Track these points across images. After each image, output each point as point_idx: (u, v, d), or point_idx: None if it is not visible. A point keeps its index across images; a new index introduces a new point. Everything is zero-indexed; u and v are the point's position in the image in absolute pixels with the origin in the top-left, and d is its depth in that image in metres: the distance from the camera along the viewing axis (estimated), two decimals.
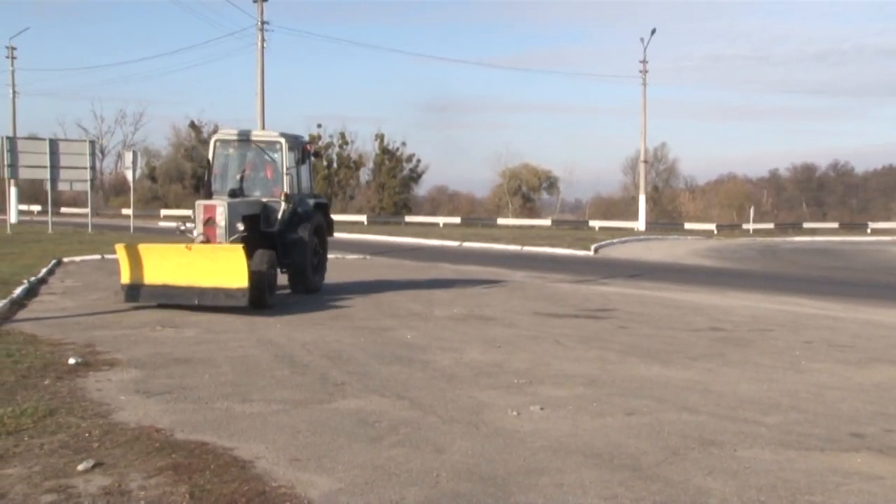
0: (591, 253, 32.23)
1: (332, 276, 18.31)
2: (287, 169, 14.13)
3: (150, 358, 8.70)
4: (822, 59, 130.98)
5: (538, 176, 73.73)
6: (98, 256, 20.25)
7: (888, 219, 65.74)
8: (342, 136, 68.19)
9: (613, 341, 10.72)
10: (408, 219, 58.79)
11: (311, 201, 15.23)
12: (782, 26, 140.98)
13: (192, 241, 12.86)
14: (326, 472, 5.23)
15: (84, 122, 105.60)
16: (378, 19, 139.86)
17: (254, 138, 14.65)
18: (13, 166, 29.62)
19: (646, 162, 55.79)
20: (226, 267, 11.71)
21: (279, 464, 5.37)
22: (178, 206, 61.06)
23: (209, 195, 13.92)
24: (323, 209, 15.72)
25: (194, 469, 5.20)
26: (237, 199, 13.50)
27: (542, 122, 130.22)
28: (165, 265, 12.09)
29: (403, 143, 68.76)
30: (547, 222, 59.50)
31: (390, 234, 41.73)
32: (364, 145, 70.41)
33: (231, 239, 12.71)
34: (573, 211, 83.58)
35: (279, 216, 13.96)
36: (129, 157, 33.94)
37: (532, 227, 56.00)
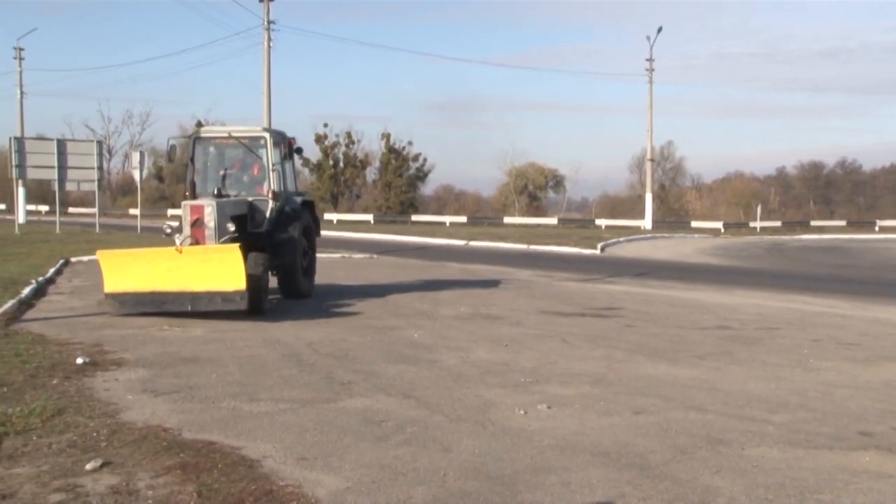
0: (597, 251, 32.19)
1: (337, 275, 18.33)
2: (273, 165, 13.38)
3: (157, 357, 8.72)
4: (830, 57, 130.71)
5: (544, 174, 73.70)
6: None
7: None
8: (348, 135, 68.29)
9: (620, 340, 10.70)
10: (414, 218, 58.83)
11: (299, 199, 14.50)
12: (789, 24, 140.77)
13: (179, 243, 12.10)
14: (334, 471, 5.24)
15: (91, 122, 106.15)
16: (385, 18, 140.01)
17: (236, 134, 13.74)
18: (21, 166, 29.75)
19: (652, 160, 55.73)
20: (221, 269, 11.08)
21: (286, 463, 5.38)
22: None
23: (193, 195, 13.19)
24: (310, 207, 14.92)
25: (202, 468, 5.21)
26: (225, 199, 12.77)
27: (548, 121, 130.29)
28: (154, 270, 11.33)
29: (410, 143, 68.84)
30: (553, 221, 59.46)
31: (396, 233, 41.73)
32: (370, 144, 70.56)
33: (221, 240, 12.00)
34: (579, 209, 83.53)
35: (267, 215, 13.21)
36: (136, 157, 34.01)
37: (538, 225, 55.98)
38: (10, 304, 11.62)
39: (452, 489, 4.97)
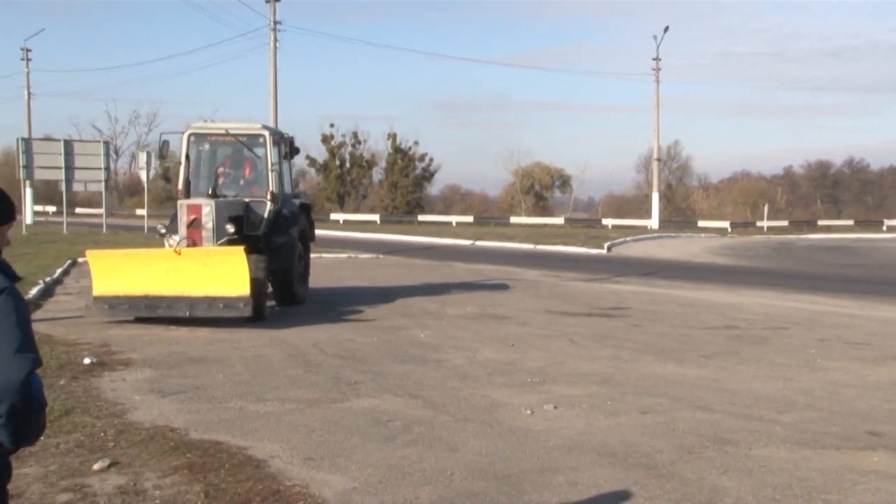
0: (604, 251, 32.15)
1: (344, 275, 18.36)
2: (272, 165, 12.67)
3: (164, 357, 8.74)
4: (837, 56, 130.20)
5: (551, 174, 73.58)
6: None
7: None
8: (355, 135, 68.25)
9: (627, 340, 10.68)
10: (420, 218, 58.77)
11: (297, 201, 13.90)
12: (796, 23, 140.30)
13: (173, 244, 11.54)
14: (340, 471, 5.24)
15: (98, 122, 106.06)
16: (391, 18, 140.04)
17: (233, 131, 12.92)
18: (28, 167, 29.84)
19: (659, 160, 55.64)
20: (223, 272, 10.51)
21: (293, 463, 5.38)
22: None
23: (188, 194, 12.47)
24: (306, 210, 14.25)
25: (209, 468, 5.22)
26: (223, 199, 12.11)
27: (554, 121, 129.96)
28: (149, 273, 10.71)
29: (416, 143, 68.75)
30: (560, 221, 59.35)
31: (403, 233, 41.74)
32: (376, 144, 70.47)
33: (219, 242, 11.42)
34: (586, 209, 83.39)
35: (265, 217, 12.45)
36: (142, 157, 34.07)
37: (545, 225, 55.88)
38: None
39: (459, 489, 4.96)
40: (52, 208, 55.16)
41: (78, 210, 58.94)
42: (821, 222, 61.77)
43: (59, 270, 16.55)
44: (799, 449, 5.92)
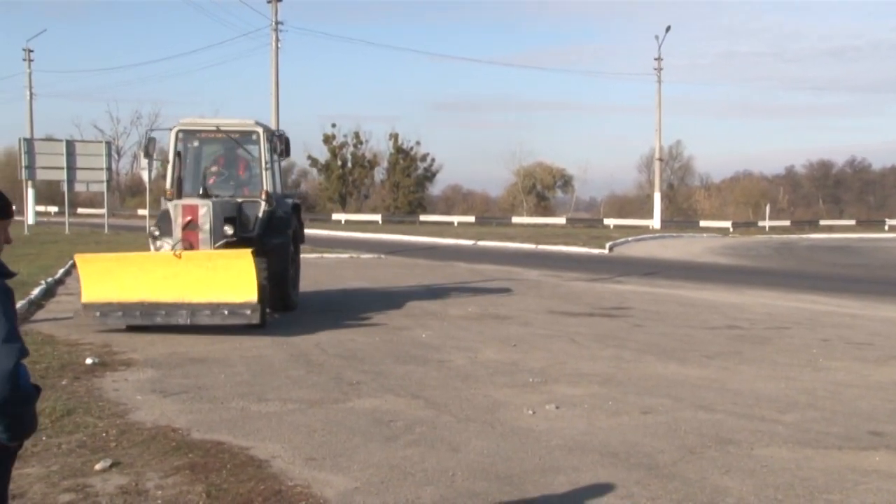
0: (606, 251, 32.14)
1: (346, 275, 18.37)
2: (266, 164, 12.08)
3: (165, 358, 8.74)
4: (838, 56, 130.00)
5: (553, 174, 73.59)
6: (113, 253, 20.31)
7: None
8: (356, 135, 68.29)
9: (629, 339, 10.68)
10: (422, 218, 58.79)
11: (290, 201, 13.31)
12: (797, 23, 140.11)
13: (163, 247, 11.04)
14: (342, 472, 5.24)
15: (100, 123, 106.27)
16: (392, 18, 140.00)
17: (225, 128, 12.28)
18: (30, 167, 29.92)
19: (661, 160, 55.63)
20: (228, 277, 9.94)
21: (295, 463, 5.39)
22: None
23: (179, 194, 11.80)
24: (297, 211, 13.47)
25: (210, 468, 5.22)
26: (219, 199, 11.49)
27: (556, 121, 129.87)
28: (145, 278, 10.08)
29: (418, 143, 68.81)
30: (562, 221, 59.36)
31: (405, 233, 41.75)
32: (378, 144, 70.51)
33: (216, 245, 10.86)
34: (588, 209, 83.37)
35: (258, 218, 11.80)
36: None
37: (547, 225, 55.88)
38: (19, 304, 11.66)
39: (461, 489, 4.96)
40: (53, 208, 55.21)
41: (80, 210, 58.99)
42: (823, 222, 61.77)
43: (60, 271, 16.56)
44: (801, 449, 5.91)
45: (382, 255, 25.38)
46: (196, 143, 12.50)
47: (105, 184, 31.71)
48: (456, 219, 59.02)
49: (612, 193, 79.90)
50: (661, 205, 53.29)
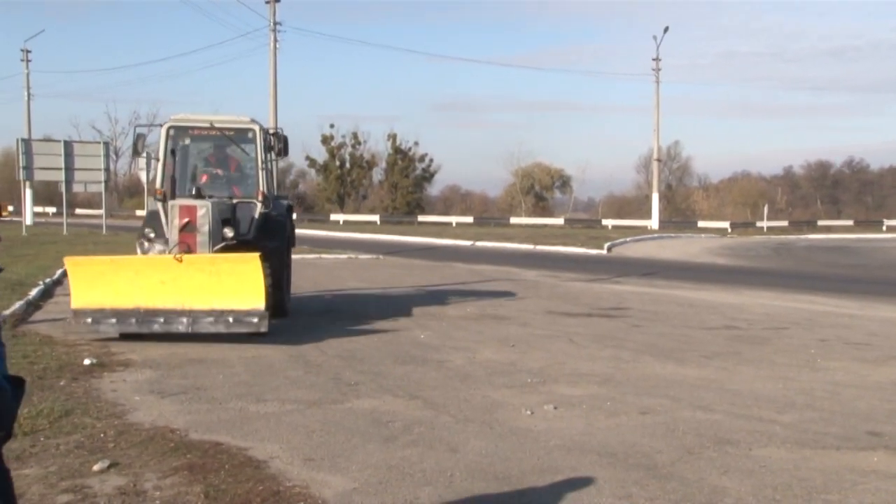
0: (604, 251, 32.15)
1: (344, 275, 18.37)
2: (262, 163, 11.47)
3: (164, 358, 8.73)
4: (837, 56, 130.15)
5: (551, 175, 73.65)
6: (106, 257, 20.29)
7: None
8: (355, 135, 68.36)
9: (627, 340, 10.68)
10: (420, 218, 58.84)
11: (285, 202, 12.88)
12: (797, 23, 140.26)
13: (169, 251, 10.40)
14: (341, 472, 5.24)
15: (98, 123, 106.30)
16: (391, 18, 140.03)
17: (219, 125, 11.60)
18: (28, 168, 29.89)
19: (659, 160, 55.65)
20: (233, 282, 9.46)
21: (293, 463, 5.38)
22: None
23: (173, 194, 11.04)
24: (289, 212, 12.88)
25: (209, 469, 5.21)
26: (218, 200, 11.00)
27: (555, 121, 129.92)
28: (141, 283, 9.51)
29: (416, 143, 68.88)
30: (560, 221, 59.41)
31: (403, 233, 41.75)
32: (376, 145, 70.59)
33: (215, 248, 10.42)
34: (586, 210, 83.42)
35: (254, 219, 11.24)
36: (142, 159, 34.06)
37: (545, 225, 55.93)
38: (17, 305, 11.66)
39: (459, 490, 4.96)
40: (51, 209, 55.19)
41: (78, 211, 58.98)
42: (821, 222, 61.85)
43: (59, 271, 16.51)
44: (799, 449, 5.92)
45: (381, 256, 25.38)
46: (187, 141, 11.86)
47: (103, 184, 31.69)
48: (454, 219, 59.06)
49: (610, 194, 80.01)
50: (660, 205, 53.33)
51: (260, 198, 11.33)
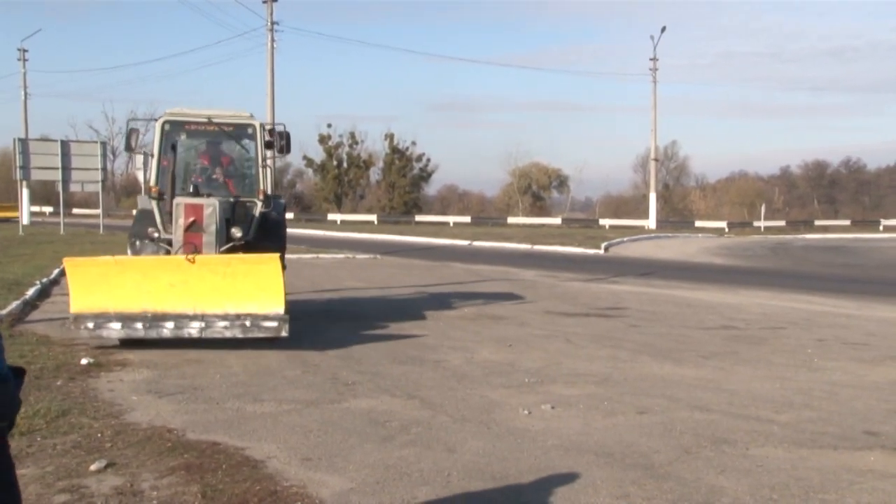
0: (601, 251, 32.16)
1: (341, 275, 18.36)
2: (263, 160, 11.07)
3: (161, 358, 8.72)
4: (836, 56, 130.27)
5: (548, 174, 73.68)
6: (109, 257, 20.30)
7: None
8: (352, 135, 68.36)
9: (625, 340, 10.69)
10: (418, 218, 58.83)
11: (282, 201, 12.51)
12: (796, 23, 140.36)
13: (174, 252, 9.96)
14: (338, 472, 5.23)
15: (95, 123, 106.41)
16: (389, 18, 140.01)
17: (217, 120, 11.05)
18: (25, 168, 29.82)
19: (656, 160, 55.64)
20: (249, 284, 9.01)
21: (291, 463, 5.38)
22: None
23: (172, 193, 10.31)
24: (284, 212, 12.43)
25: (206, 469, 5.21)
26: (224, 198, 10.55)
27: (552, 121, 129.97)
28: (149, 285, 9.01)
29: (413, 143, 68.87)
30: (557, 221, 59.41)
31: (400, 233, 41.74)
32: (374, 145, 70.66)
33: (222, 249, 10.01)
34: (583, 209, 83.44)
35: (255, 219, 10.79)
36: (139, 158, 33.99)
37: (542, 225, 55.94)
38: (14, 305, 11.64)
39: (456, 489, 4.96)
40: (48, 209, 55.10)
41: (75, 210, 58.87)
42: (818, 222, 61.89)
43: (55, 271, 16.50)
44: (796, 449, 5.92)
45: (378, 256, 25.37)
46: (183, 136, 11.26)
47: (100, 184, 31.62)
48: (452, 219, 59.05)
49: (607, 194, 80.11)
50: (657, 205, 53.32)
51: (261, 197, 10.92)
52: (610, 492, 4.95)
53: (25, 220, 36.99)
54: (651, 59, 52.27)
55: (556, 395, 7.43)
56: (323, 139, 67.43)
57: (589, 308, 13.94)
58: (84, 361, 8.31)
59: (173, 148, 10.66)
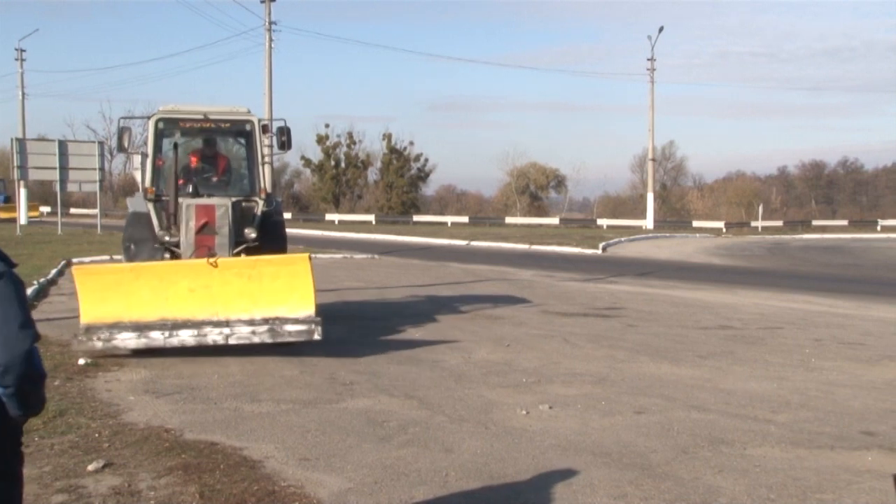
0: (599, 251, 32.15)
1: (339, 275, 18.35)
2: (263, 158, 10.72)
3: (158, 358, 8.70)
4: (833, 56, 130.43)
5: (546, 174, 73.62)
6: (107, 257, 20.29)
7: None
8: (350, 135, 68.25)
9: (622, 340, 10.69)
10: (416, 218, 58.79)
11: (279, 199, 12.18)
12: (792, 23, 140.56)
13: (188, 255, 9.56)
14: (336, 472, 5.24)
15: (93, 123, 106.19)
16: (388, 18, 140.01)
17: (214, 117, 10.60)
18: (23, 168, 29.78)
19: (654, 160, 55.66)
20: (278, 286, 8.59)
21: (288, 463, 5.38)
22: None
23: (175, 195, 9.74)
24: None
25: (204, 469, 5.21)
26: (235, 198, 10.19)
27: (550, 121, 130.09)
28: (167, 291, 8.53)
29: (411, 143, 68.74)
30: (555, 221, 59.38)
31: (398, 233, 41.72)
32: (372, 145, 70.48)
33: (235, 251, 9.66)
34: (581, 209, 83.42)
35: (256, 218, 10.41)
36: (137, 158, 33.91)
37: (540, 225, 55.91)
38: None
39: (454, 489, 4.97)
40: (46, 209, 55.06)
41: (72, 210, 58.81)
42: (815, 222, 61.92)
43: (53, 271, 16.51)
44: (793, 448, 5.93)
45: (376, 256, 25.36)
46: (178, 134, 10.83)
47: (98, 184, 31.60)
48: (449, 219, 59.03)
49: (605, 194, 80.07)
50: (654, 205, 53.32)
51: (262, 196, 10.56)
52: (607, 491, 4.96)
53: (23, 219, 36.95)
54: (649, 60, 52.30)
55: (554, 395, 7.43)
56: (321, 139, 67.36)
57: (587, 308, 13.94)
58: (81, 361, 8.31)
59: (175, 148, 10.12)
